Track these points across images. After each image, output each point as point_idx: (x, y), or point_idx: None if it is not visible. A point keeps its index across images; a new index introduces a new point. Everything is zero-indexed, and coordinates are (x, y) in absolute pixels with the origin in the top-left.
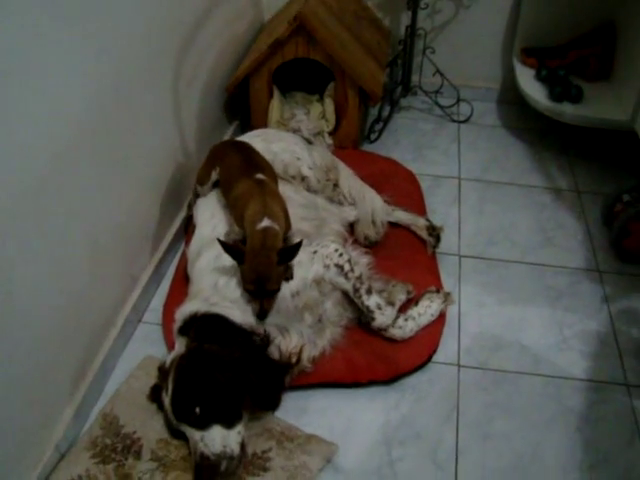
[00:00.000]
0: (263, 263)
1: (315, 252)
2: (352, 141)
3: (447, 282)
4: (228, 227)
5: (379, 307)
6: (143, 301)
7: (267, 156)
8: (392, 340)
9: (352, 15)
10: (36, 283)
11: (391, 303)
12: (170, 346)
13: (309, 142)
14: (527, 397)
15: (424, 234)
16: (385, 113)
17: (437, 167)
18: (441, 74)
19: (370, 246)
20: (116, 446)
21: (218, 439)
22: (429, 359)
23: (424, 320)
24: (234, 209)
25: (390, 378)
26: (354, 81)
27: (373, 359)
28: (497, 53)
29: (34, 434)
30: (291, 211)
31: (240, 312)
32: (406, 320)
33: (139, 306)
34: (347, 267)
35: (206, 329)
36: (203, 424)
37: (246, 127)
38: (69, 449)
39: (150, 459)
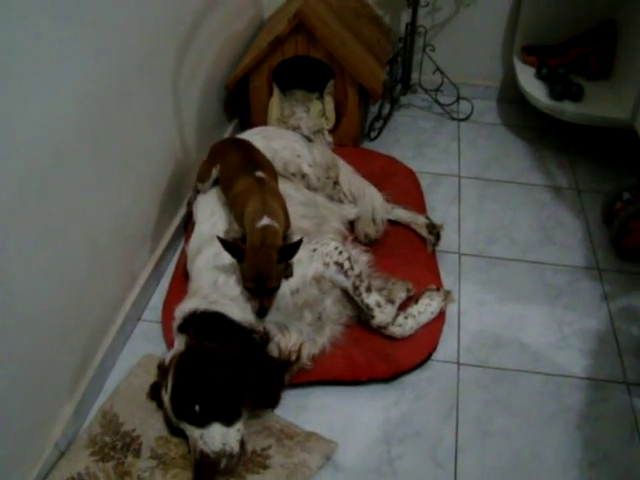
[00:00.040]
0: (263, 261)
1: (315, 250)
2: (352, 139)
3: (447, 280)
4: (228, 225)
5: (379, 305)
6: (143, 299)
7: (267, 154)
8: (392, 338)
9: (352, 12)
10: (35, 281)
11: (391, 301)
12: (169, 344)
13: (309, 140)
14: (527, 395)
15: (424, 232)
16: (385, 111)
17: (437, 165)
18: (441, 72)
19: (370, 244)
20: (116, 444)
21: (218, 437)
22: (429, 357)
23: (424, 318)
24: (234, 207)
25: (390, 376)
26: (354, 79)
27: (373, 357)
28: (497, 51)
29: (34, 432)
30: (291, 209)
31: (239, 310)
32: (406, 318)
33: (139, 304)
34: (347, 265)
35: (205, 327)
36: (202, 422)
37: (246, 125)
38: (69, 447)
39: (150, 457)
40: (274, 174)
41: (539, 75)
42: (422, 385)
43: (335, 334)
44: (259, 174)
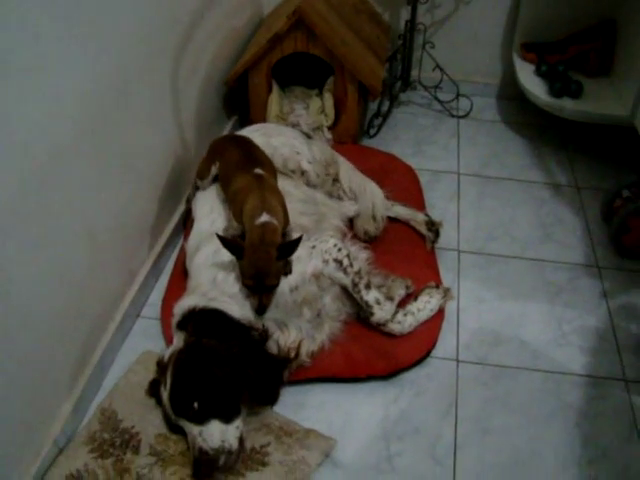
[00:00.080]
0: (262, 258)
1: (314, 247)
2: (351, 136)
3: (446, 277)
4: (227, 222)
5: (378, 302)
6: (142, 296)
7: (267, 150)
8: (391, 335)
9: (351, 9)
10: (35, 278)
11: (390, 298)
12: (168, 341)
13: (308, 137)
14: (526, 392)
15: (423, 229)
16: (384, 108)
17: (436, 162)
18: (441, 69)
19: (369, 241)
20: (114, 441)
21: (216, 434)
22: (428, 354)
23: (423, 315)
24: (233, 204)
25: (389, 373)
26: (353, 76)
27: (372, 354)
28: (497, 48)
29: (32, 429)
30: (290, 206)
31: (238, 307)
32: (405, 315)
33: (138, 301)
34: (346, 262)
35: (204, 324)
36: (201, 419)
37: (245, 122)
38: (67, 444)
39: (148, 454)
40: (273, 171)
41: (538, 72)
42: (421, 382)
43: (334, 331)
44: (258, 171)
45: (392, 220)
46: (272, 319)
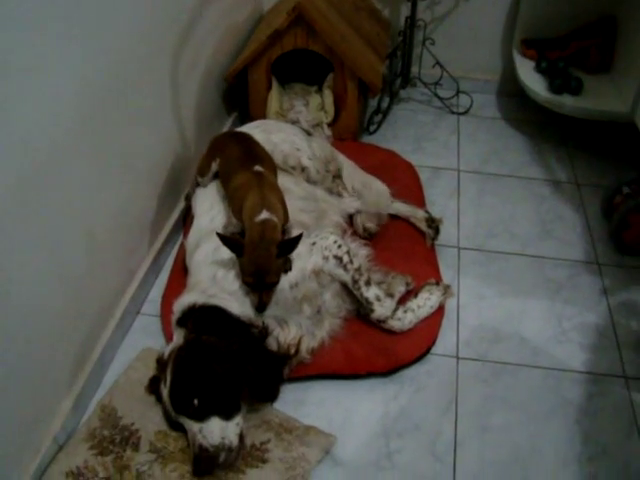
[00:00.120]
0: (262, 256)
1: (314, 244)
2: (351, 133)
3: (446, 274)
4: (226, 218)
5: (378, 299)
6: (141, 293)
7: (267, 147)
8: (391, 332)
9: (351, 6)
10: (34, 275)
11: (390, 295)
12: (168, 338)
13: (308, 133)
14: (526, 389)
15: (423, 226)
16: (384, 105)
17: (436, 159)
18: (441, 66)
19: (369, 238)
20: (114, 438)
21: (216, 431)
22: (428, 351)
23: (423, 312)
24: (233, 201)
25: (389, 370)
26: (353, 72)
27: (372, 351)
28: (497, 45)
29: (32, 426)
30: (290, 203)
31: (238, 304)
32: (405, 312)
33: (137, 298)
34: (346, 259)
35: (204, 321)
36: (201, 416)
37: (245, 118)
38: (67, 441)
39: (148, 451)
40: (273, 168)
41: (539, 68)
42: (421, 379)
43: (334, 328)
44: (257, 168)
45: (392, 217)
46: (272, 316)
